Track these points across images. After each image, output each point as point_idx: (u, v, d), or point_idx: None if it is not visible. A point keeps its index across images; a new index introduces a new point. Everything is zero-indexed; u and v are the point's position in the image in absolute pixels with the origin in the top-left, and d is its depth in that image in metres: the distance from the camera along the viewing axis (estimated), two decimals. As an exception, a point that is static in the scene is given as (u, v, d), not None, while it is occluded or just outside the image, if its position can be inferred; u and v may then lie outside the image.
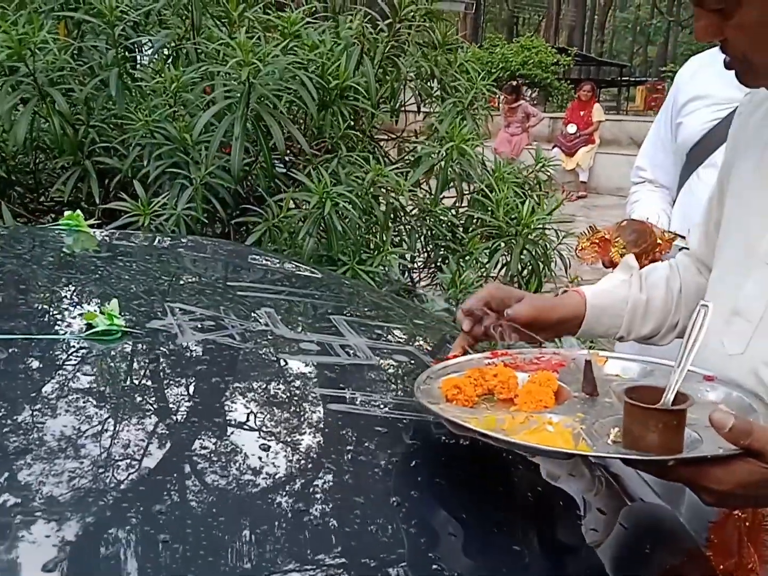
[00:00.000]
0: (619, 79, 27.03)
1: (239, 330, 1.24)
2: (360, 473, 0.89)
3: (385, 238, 3.01)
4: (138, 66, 3.47)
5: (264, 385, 1.07)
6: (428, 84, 3.86)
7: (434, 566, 0.77)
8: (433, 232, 3.29)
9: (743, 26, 0.94)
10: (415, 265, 3.39)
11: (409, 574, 0.76)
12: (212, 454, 0.89)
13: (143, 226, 2.58)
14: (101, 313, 1.15)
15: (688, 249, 1.73)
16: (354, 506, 0.82)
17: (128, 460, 0.85)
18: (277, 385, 1.08)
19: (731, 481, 0.83)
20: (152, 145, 2.89)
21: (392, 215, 3.17)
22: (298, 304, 1.47)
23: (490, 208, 3.10)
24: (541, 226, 2.98)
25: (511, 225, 2.99)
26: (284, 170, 3.31)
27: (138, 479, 0.81)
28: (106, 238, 1.76)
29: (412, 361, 1.27)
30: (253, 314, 1.34)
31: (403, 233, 3.36)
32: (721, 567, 0.97)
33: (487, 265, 3.20)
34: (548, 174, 3.75)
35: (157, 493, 0.79)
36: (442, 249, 3.41)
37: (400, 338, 1.41)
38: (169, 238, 1.92)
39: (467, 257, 3.28)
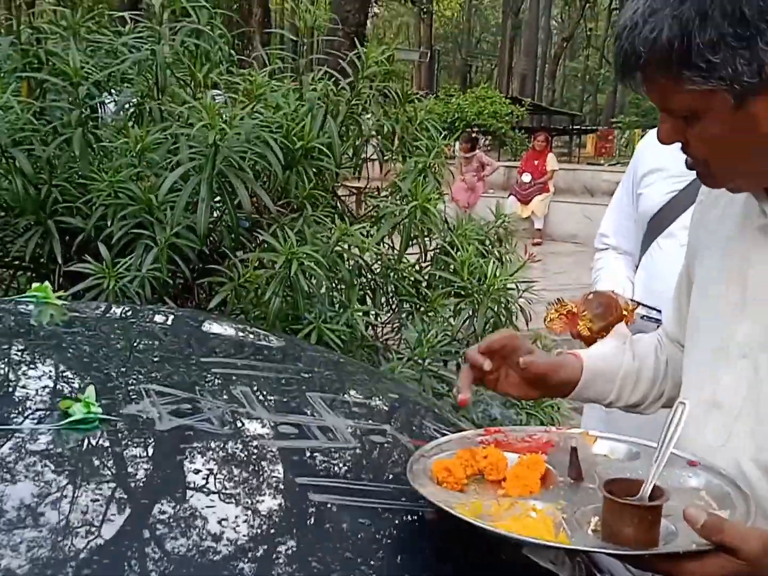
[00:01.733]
0: (570, 127, 27.69)
1: (216, 413, 1.23)
2: (347, 573, 0.89)
3: (350, 296, 3.03)
4: (100, 123, 3.47)
5: (244, 477, 1.06)
6: (389, 140, 3.93)
7: None
8: (398, 289, 3.31)
9: (704, 137, 0.99)
10: (380, 321, 3.40)
11: None
12: (191, 552, 0.88)
13: (108, 288, 2.56)
14: (77, 400, 1.14)
15: (651, 318, 1.77)
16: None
17: (107, 557, 0.84)
18: (257, 476, 1.07)
19: (704, 574, 0.85)
20: (116, 206, 2.88)
21: (357, 272, 3.19)
22: (273, 381, 1.47)
23: (453, 266, 3.14)
24: (504, 285, 3.02)
25: (475, 285, 3.03)
26: (249, 229, 3.32)
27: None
28: (74, 311, 1.74)
29: (390, 442, 1.27)
30: (229, 394, 1.34)
31: (368, 290, 3.38)
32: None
33: (451, 321, 3.23)
34: (507, 228, 3.82)
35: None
36: (407, 304, 3.44)
37: (376, 415, 1.42)
38: (137, 309, 1.90)
39: (431, 313, 3.31)
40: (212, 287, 3.05)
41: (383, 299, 3.36)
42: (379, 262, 3.36)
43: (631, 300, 1.91)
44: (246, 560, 0.88)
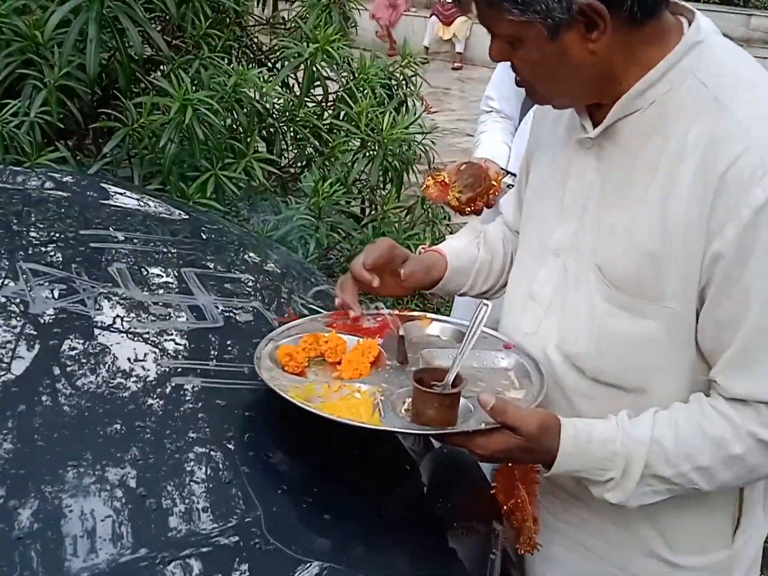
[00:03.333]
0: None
1: (90, 294, 1.31)
2: (196, 452, 1.02)
3: (248, 143, 3.03)
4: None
5: (111, 362, 1.16)
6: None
7: (256, 536, 0.92)
8: (299, 135, 3.32)
9: (525, 61, 1.07)
10: (279, 167, 3.42)
11: (237, 543, 0.91)
12: (52, 435, 0.99)
13: (-6, 134, 2.51)
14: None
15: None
16: (185, 486, 0.96)
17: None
18: (124, 360, 1.17)
19: (491, 448, 1.04)
20: (0, 41, 2.75)
21: (256, 118, 3.17)
22: (150, 255, 1.54)
23: (354, 121, 3.15)
24: (401, 136, 3.06)
25: (372, 135, 3.07)
26: (145, 63, 3.21)
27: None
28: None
29: (257, 321, 1.38)
30: (104, 272, 1.41)
31: (269, 135, 3.37)
32: (505, 507, 1.19)
33: (352, 169, 3.27)
34: (414, 70, 3.80)
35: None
36: (309, 149, 3.45)
37: (248, 291, 1.51)
38: (16, 172, 1.90)
39: (332, 159, 3.34)
40: (110, 131, 3.00)
41: (283, 145, 3.36)
42: (280, 106, 3.34)
43: (502, 169, 2.01)
44: (104, 443, 1.00)
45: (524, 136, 2.14)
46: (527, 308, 1.22)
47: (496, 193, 1.88)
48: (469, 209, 1.88)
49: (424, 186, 1.94)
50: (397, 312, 1.34)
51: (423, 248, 1.42)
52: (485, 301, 1.12)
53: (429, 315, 1.35)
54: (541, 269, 1.21)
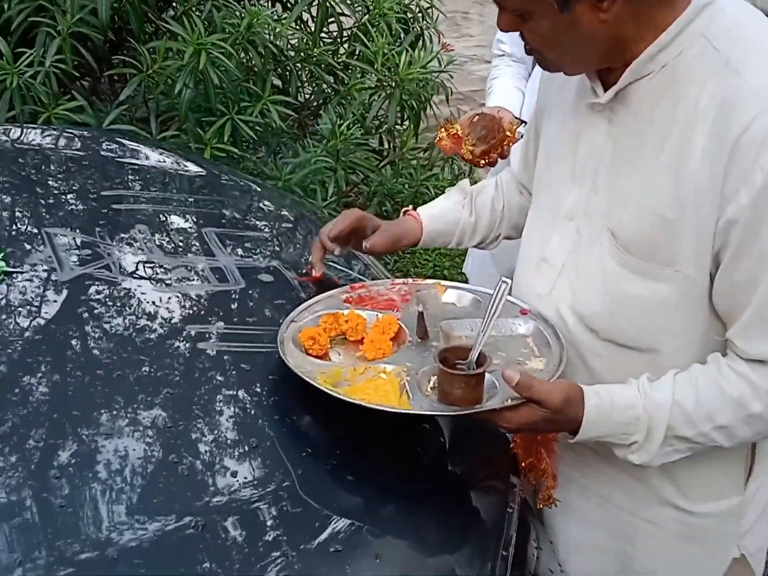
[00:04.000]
0: None
1: (115, 259, 1.34)
2: (223, 417, 1.06)
3: (264, 86, 3.00)
4: None
5: (137, 328, 1.19)
6: None
7: (284, 498, 0.97)
8: (314, 74, 3.28)
9: (535, 32, 1.06)
10: (295, 108, 3.39)
11: (270, 505, 0.96)
12: (84, 400, 1.04)
13: (11, 86, 2.51)
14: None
15: None
16: (215, 450, 1.01)
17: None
18: (150, 326, 1.20)
19: (518, 421, 1.07)
20: (11, -12, 2.72)
21: (271, 59, 3.13)
22: (171, 215, 1.56)
23: (369, 59, 3.10)
24: (418, 76, 3.02)
25: (388, 75, 3.02)
26: (156, 12, 3.16)
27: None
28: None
29: (278, 280, 1.40)
30: (128, 235, 1.43)
31: (284, 75, 3.33)
32: (523, 464, 1.23)
33: (370, 108, 3.24)
34: (430, 2, 3.72)
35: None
36: (325, 87, 3.41)
37: (267, 250, 1.53)
38: (39, 131, 1.91)
39: (349, 98, 3.30)
40: (124, 79, 2.98)
41: (298, 85, 3.32)
42: (294, 45, 3.29)
43: (516, 118, 1.98)
44: (132, 410, 1.04)
45: (537, 81, 2.11)
46: (540, 270, 1.24)
47: (511, 144, 1.86)
48: (483, 161, 1.86)
49: (438, 138, 1.91)
50: (411, 281, 1.37)
51: (405, 211, 1.48)
52: (504, 278, 1.13)
53: (443, 282, 1.38)
54: (554, 233, 1.22)
